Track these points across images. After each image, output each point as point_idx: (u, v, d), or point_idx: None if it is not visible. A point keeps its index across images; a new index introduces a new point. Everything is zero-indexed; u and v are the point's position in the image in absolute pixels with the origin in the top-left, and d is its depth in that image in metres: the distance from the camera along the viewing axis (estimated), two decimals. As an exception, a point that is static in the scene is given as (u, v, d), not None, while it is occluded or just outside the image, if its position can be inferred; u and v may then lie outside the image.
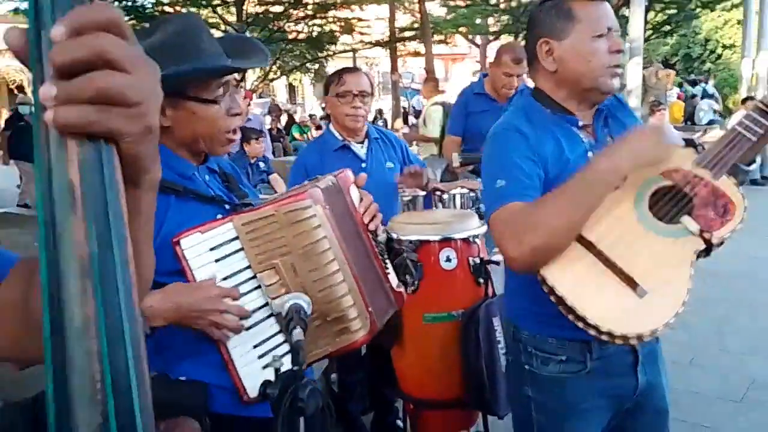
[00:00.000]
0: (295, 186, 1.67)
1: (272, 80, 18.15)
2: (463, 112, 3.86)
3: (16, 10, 13.24)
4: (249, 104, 7.69)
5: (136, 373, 0.45)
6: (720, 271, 5.27)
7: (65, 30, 0.45)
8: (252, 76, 18.28)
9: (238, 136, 1.54)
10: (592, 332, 1.34)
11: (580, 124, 1.60)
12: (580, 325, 1.34)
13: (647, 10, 15.46)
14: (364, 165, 2.70)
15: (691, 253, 1.36)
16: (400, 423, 2.97)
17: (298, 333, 1.20)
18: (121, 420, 0.44)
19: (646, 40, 19.41)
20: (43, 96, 0.46)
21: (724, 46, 26.16)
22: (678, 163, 1.44)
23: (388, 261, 1.68)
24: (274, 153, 12.11)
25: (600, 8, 1.54)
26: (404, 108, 23.57)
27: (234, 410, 1.42)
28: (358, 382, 2.77)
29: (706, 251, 1.39)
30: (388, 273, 1.64)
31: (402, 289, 1.68)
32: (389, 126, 21.35)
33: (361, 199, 1.62)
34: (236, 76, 1.63)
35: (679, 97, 16.50)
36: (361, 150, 2.74)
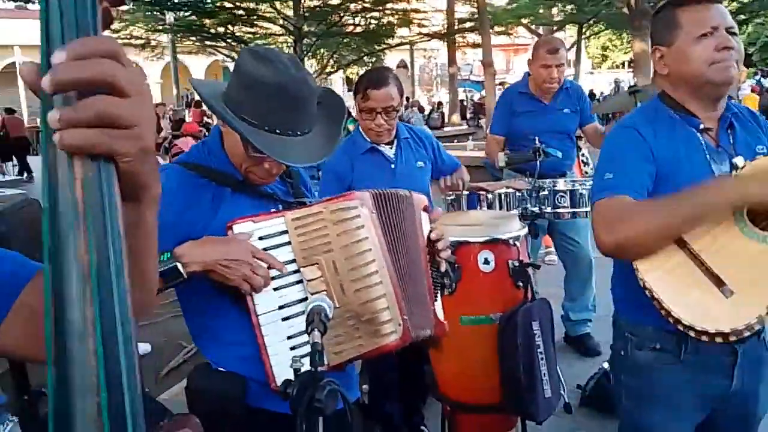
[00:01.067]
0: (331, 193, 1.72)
1: (329, 74, 18.26)
2: (508, 112, 3.77)
3: (20, 6, 13.66)
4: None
5: (127, 368, 0.50)
6: None
7: (66, 55, 0.49)
8: (310, 70, 18.48)
9: (269, 182, 1.61)
10: (679, 326, 1.45)
11: (702, 126, 1.65)
12: (670, 319, 1.45)
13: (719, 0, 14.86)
14: (393, 166, 2.69)
15: None
16: (424, 428, 2.96)
17: (316, 336, 1.23)
18: (114, 410, 0.49)
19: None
20: (50, 121, 0.50)
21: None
22: None
23: (439, 294, 1.71)
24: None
25: (703, 10, 1.62)
26: (462, 101, 23.40)
27: (266, 404, 1.48)
28: (393, 383, 2.77)
29: None
30: (436, 301, 1.68)
31: (445, 323, 1.71)
32: (446, 120, 21.28)
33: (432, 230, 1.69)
34: None
35: (753, 90, 15.79)
36: (389, 151, 2.71)
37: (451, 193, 3.13)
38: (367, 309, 1.43)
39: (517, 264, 2.38)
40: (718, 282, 1.44)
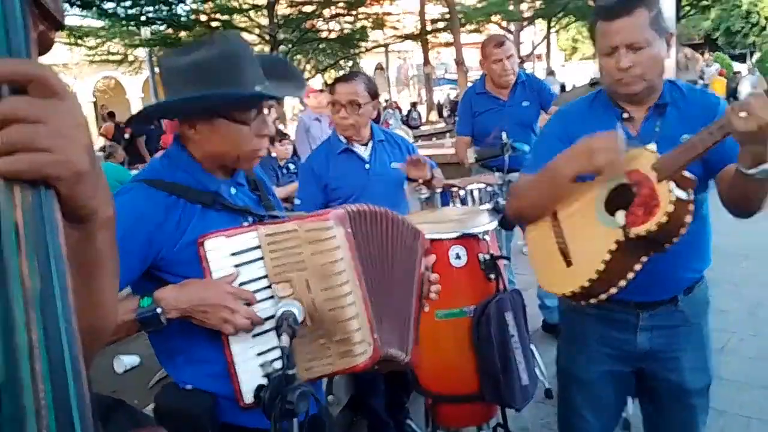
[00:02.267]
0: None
1: (307, 80, 18.27)
2: (469, 113, 3.89)
3: None
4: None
5: (75, 391, 0.52)
6: (755, 255, 5.17)
7: None
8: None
9: (263, 154, 1.58)
10: None
11: (624, 116, 1.80)
12: None
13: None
14: (367, 167, 2.76)
15: (611, 241, 1.60)
16: (410, 422, 3.03)
17: (284, 339, 1.25)
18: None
19: (685, 16, 18.87)
20: None
21: (766, 18, 25.14)
22: (639, 165, 1.60)
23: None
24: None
25: (606, 27, 1.71)
26: (439, 100, 23.49)
27: (240, 421, 1.47)
28: (377, 378, 2.83)
29: (659, 246, 1.60)
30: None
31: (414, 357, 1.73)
32: (423, 119, 21.35)
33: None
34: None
35: (720, 74, 16.01)
36: (364, 152, 2.79)
37: (424, 190, 3.21)
38: (339, 329, 1.42)
39: (487, 257, 2.45)
40: (564, 254, 1.73)
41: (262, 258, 1.44)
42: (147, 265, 1.43)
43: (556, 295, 1.78)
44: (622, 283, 1.62)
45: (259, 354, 1.45)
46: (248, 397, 1.42)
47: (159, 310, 1.37)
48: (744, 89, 13.26)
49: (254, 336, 1.45)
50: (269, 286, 1.44)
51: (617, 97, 1.80)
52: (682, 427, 1.92)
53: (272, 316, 1.42)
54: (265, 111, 1.54)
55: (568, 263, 1.71)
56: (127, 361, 4.01)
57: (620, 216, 1.59)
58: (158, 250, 1.43)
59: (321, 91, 7.18)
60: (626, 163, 1.61)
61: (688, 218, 1.53)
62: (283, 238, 1.43)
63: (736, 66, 16.96)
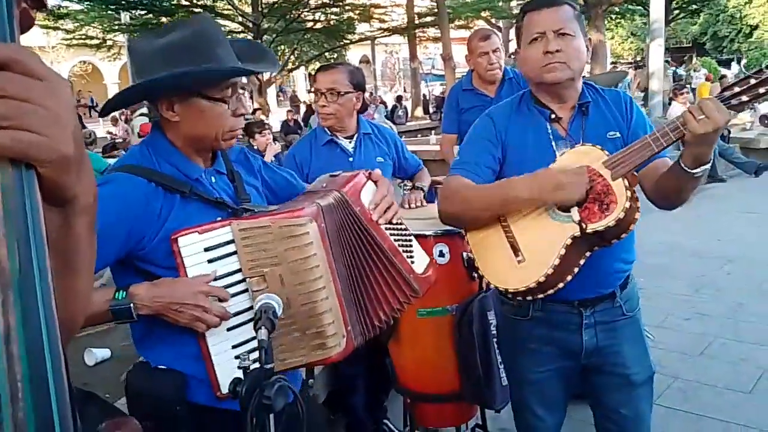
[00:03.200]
0: (300, 195, 1.73)
1: (291, 71, 18.18)
2: (455, 110, 3.82)
3: None
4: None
5: (53, 373, 0.51)
6: (739, 258, 5.20)
7: None
8: (271, 66, 18.30)
9: (240, 134, 1.61)
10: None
11: (552, 117, 1.82)
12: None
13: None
14: (351, 159, 2.71)
15: (566, 236, 1.64)
16: (387, 422, 2.99)
17: (263, 333, 1.26)
18: (41, 414, 0.49)
19: (673, 20, 19.01)
20: None
21: (752, 26, 25.46)
22: (590, 162, 1.67)
23: (413, 244, 1.75)
24: (289, 146, 12.14)
25: (534, 16, 1.79)
26: (425, 95, 23.46)
27: (211, 401, 1.48)
28: (358, 376, 2.78)
29: (608, 242, 1.67)
30: (413, 261, 1.70)
31: (430, 272, 1.76)
32: (410, 114, 21.31)
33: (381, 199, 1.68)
34: (244, 79, 1.71)
35: (707, 79, 16.15)
36: (349, 145, 2.74)
37: (408, 186, 3.16)
38: (313, 323, 1.45)
39: (471, 255, 2.41)
40: (515, 251, 1.72)
41: (236, 252, 1.46)
42: (125, 253, 1.44)
43: (504, 292, 1.75)
44: (569, 277, 1.67)
45: (235, 346, 1.47)
46: (225, 388, 1.43)
47: (131, 306, 1.40)
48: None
49: (229, 329, 1.47)
50: (243, 280, 1.46)
51: (543, 94, 1.83)
52: (632, 417, 1.94)
53: (247, 309, 1.47)
54: (240, 91, 1.57)
55: (520, 260, 1.71)
56: (98, 354, 3.94)
57: (575, 212, 1.63)
58: (140, 238, 1.45)
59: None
60: (575, 158, 1.69)
61: (638, 215, 1.64)
62: (257, 233, 1.45)
63: (723, 71, 17.11)
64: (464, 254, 2.40)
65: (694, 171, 1.61)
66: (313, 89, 2.70)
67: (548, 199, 1.66)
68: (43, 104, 0.53)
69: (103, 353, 3.99)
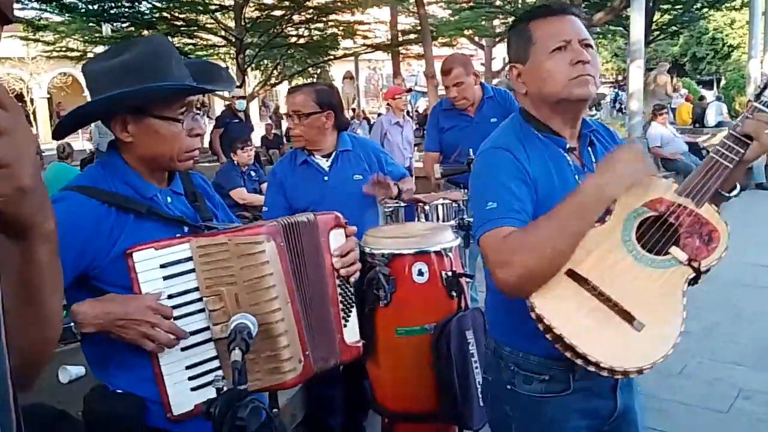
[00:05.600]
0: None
1: (273, 85, 18.13)
2: (436, 129, 3.84)
3: (15, 19, 13.25)
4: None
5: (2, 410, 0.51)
6: (717, 278, 5.23)
7: None
8: (253, 81, 18.27)
9: (196, 154, 1.57)
10: (591, 368, 1.32)
11: (568, 146, 1.58)
12: (579, 361, 1.33)
13: (653, 12, 15.35)
14: (326, 178, 2.73)
15: (681, 282, 1.37)
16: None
17: (236, 354, 1.23)
18: None
19: (654, 41, 19.34)
20: None
21: (731, 47, 25.99)
22: (660, 194, 1.45)
23: (353, 312, 1.68)
24: (271, 160, 12.07)
25: (556, 23, 1.53)
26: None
27: (170, 425, 1.44)
28: (335, 397, 2.76)
29: (695, 279, 1.39)
30: (346, 325, 1.64)
31: (359, 345, 1.67)
32: (392, 129, 21.36)
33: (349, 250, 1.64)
34: (200, 97, 1.70)
35: (687, 99, 16.37)
36: (324, 163, 2.76)
37: (389, 204, 3.16)
38: (268, 346, 1.41)
39: (450, 274, 2.42)
40: (625, 316, 1.34)
41: (193, 270, 1.43)
42: (78, 273, 1.41)
43: (637, 369, 1.32)
44: None
45: (188, 367, 1.43)
46: (176, 410, 1.41)
47: (71, 325, 1.34)
48: (711, 115, 13.57)
49: (183, 349, 1.43)
50: (200, 299, 1.43)
51: (556, 118, 1.57)
52: None
53: (204, 329, 1.44)
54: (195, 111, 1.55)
55: (637, 326, 1.33)
56: (72, 371, 3.84)
57: (677, 252, 1.38)
58: (91, 259, 1.41)
59: (409, 90, 6.91)
60: (638, 191, 1.45)
61: None
62: (215, 251, 1.42)
63: (702, 92, 17.36)
64: (443, 273, 2.40)
65: (730, 194, 1.45)
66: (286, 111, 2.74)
67: (616, 190, 1.40)
68: (8, 135, 0.52)
69: (78, 371, 3.89)
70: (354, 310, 1.68)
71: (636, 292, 1.35)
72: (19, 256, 0.61)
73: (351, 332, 1.65)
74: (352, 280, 1.65)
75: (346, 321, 1.64)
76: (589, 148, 1.62)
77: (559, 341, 1.33)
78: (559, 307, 1.35)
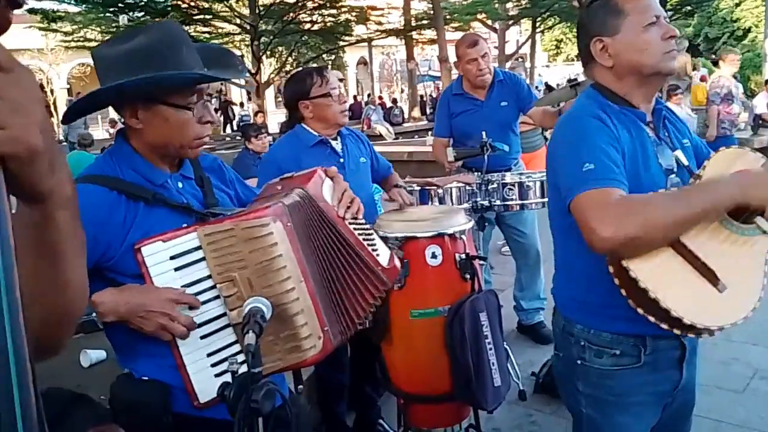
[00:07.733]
0: (265, 191, 1.69)
1: (288, 72, 18.17)
2: (447, 114, 3.84)
3: (31, 10, 13.40)
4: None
5: (18, 384, 0.49)
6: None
7: None
8: (269, 69, 18.30)
9: (207, 141, 1.58)
10: (664, 326, 1.39)
11: (647, 119, 1.62)
12: (651, 319, 1.40)
13: (666, -8, 15.13)
14: (342, 160, 2.72)
15: (764, 251, 1.43)
16: (382, 421, 3.00)
17: (250, 337, 1.24)
18: (4, 422, 0.48)
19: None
20: None
21: (743, 29, 25.55)
22: (746, 165, 1.50)
23: (376, 238, 1.70)
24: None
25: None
26: (422, 96, 23.47)
27: (196, 411, 1.46)
28: (344, 384, 2.80)
29: None
30: (379, 254, 1.65)
31: (396, 264, 1.71)
32: (406, 115, 21.33)
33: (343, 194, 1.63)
34: (215, 85, 1.71)
35: (702, 79, 16.09)
36: (337, 145, 2.76)
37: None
38: (286, 326, 1.41)
39: (463, 257, 2.43)
40: (713, 277, 1.39)
41: (204, 258, 1.43)
42: (92, 264, 1.39)
43: (718, 327, 1.39)
44: None
45: (210, 354, 1.45)
46: (202, 397, 1.43)
47: (93, 315, 1.36)
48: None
49: (202, 337, 1.44)
50: (214, 286, 1.43)
51: (640, 91, 1.60)
52: None
53: (221, 315, 1.45)
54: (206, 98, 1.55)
55: (721, 288, 1.39)
56: (93, 355, 3.94)
57: (762, 222, 1.42)
58: (104, 249, 1.42)
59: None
60: (724, 166, 1.49)
61: None
62: (222, 237, 1.42)
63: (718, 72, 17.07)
64: (457, 255, 2.42)
65: None
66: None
67: (755, 199, 1.42)
68: (10, 97, 0.52)
69: (99, 355, 3.99)
70: (375, 236, 1.71)
71: (722, 255, 1.41)
72: (36, 223, 0.61)
73: (384, 257, 1.67)
74: (359, 215, 1.64)
75: (375, 249, 1.65)
76: (664, 123, 1.66)
77: (641, 295, 1.38)
78: (646, 264, 1.39)
